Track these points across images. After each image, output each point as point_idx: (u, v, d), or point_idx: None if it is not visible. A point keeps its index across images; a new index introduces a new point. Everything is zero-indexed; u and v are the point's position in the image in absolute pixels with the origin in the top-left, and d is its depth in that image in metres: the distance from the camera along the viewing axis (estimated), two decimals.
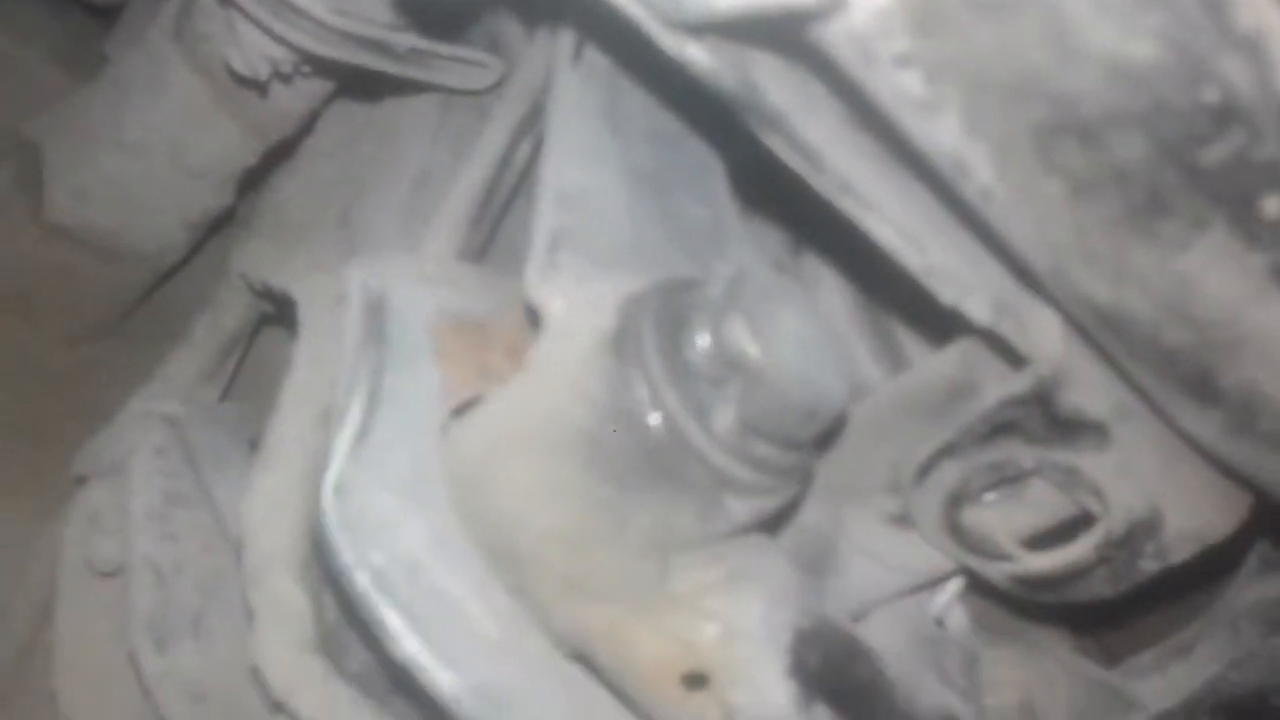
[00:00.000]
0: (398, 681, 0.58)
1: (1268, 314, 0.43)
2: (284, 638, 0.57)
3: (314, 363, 0.66)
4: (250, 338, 0.99)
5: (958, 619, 0.70)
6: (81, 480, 0.83)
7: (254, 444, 0.79)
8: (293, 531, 0.59)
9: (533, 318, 0.57)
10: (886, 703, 0.57)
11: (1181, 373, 0.47)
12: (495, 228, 0.74)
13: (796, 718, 0.55)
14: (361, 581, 0.47)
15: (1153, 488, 0.57)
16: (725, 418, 0.51)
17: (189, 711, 0.68)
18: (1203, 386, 0.47)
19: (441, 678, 0.46)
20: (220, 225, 1.07)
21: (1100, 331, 0.50)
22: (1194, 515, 0.58)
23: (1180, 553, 0.60)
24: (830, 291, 0.75)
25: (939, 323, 0.65)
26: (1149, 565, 0.60)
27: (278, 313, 0.93)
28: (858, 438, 0.62)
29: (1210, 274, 0.43)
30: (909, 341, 0.72)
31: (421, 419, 0.56)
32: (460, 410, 0.58)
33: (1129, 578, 0.61)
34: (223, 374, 0.97)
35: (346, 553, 0.47)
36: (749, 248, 0.65)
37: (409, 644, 0.46)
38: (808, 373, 0.51)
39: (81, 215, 1.04)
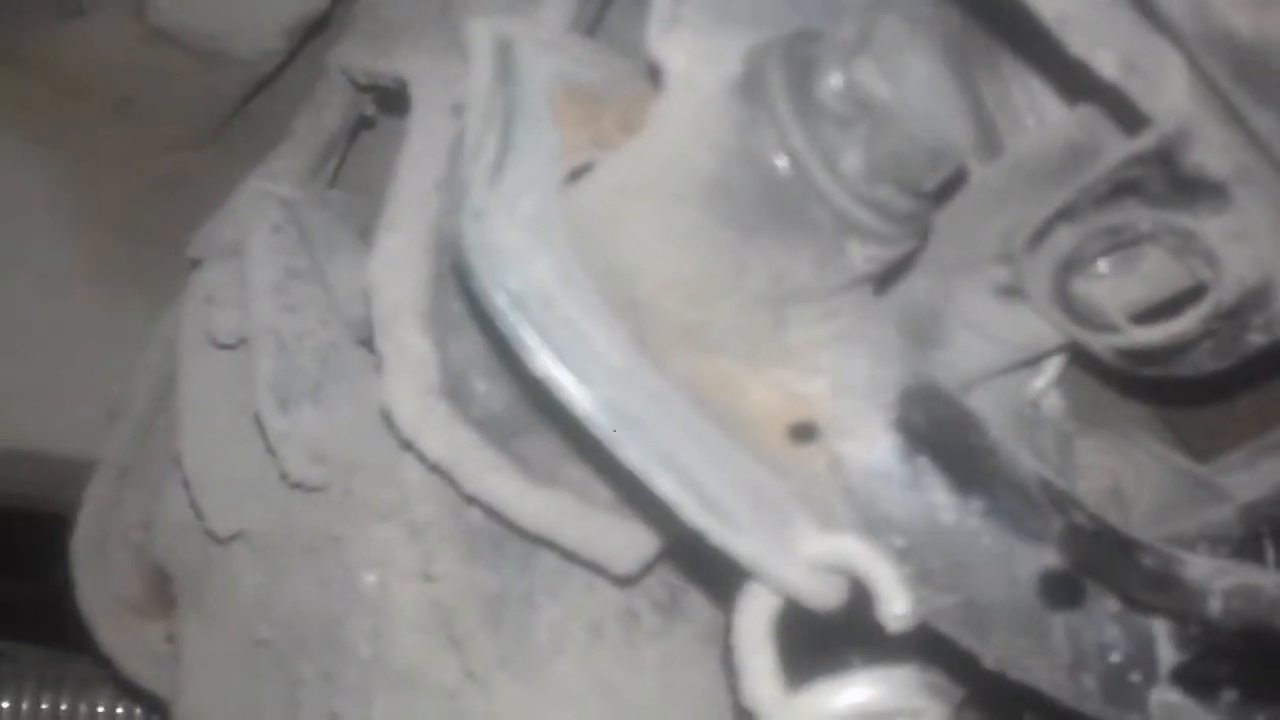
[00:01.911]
0: (516, 420, 0.61)
1: None
2: (411, 383, 0.60)
3: (429, 133, 0.68)
4: (350, 139, 1.01)
5: (1054, 403, 0.71)
6: (197, 263, 0.85)
7: (363, 232, 0.81)
8: (417, 285, 0.62)
9: (655, 75, 0.58)
10: (988, 461, 0.59)
11: None
12: (605, 5, 0.74)
13: (900, 467, 0.57)
14: (500, 301, 0.48)
15: (1267, 255, 0.57)
16: (852, 159, 0.51)
17: (309, 470, 0.71)
18: None
19: (577, 393, 0.48)
20: (317, 31, 1.08)
21: (1232, 77, 0.49)
22: None
23: None
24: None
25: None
26: (1257, 338, 0.61)
27: (380, 107, 0.94)
28: (971, 207, 0.62)
29: None
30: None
31: (544, 172, 0.57)
32: (574, 173, 0.59)
33: (1235, 351, 0.61)
34: (324, 174, 0.99)
35: (485, 275, 0.49)
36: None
37: (546, 360, 0.48)
38: (935, 116, 0.51)
39: (181, 18, 1.05)
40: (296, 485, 0.71)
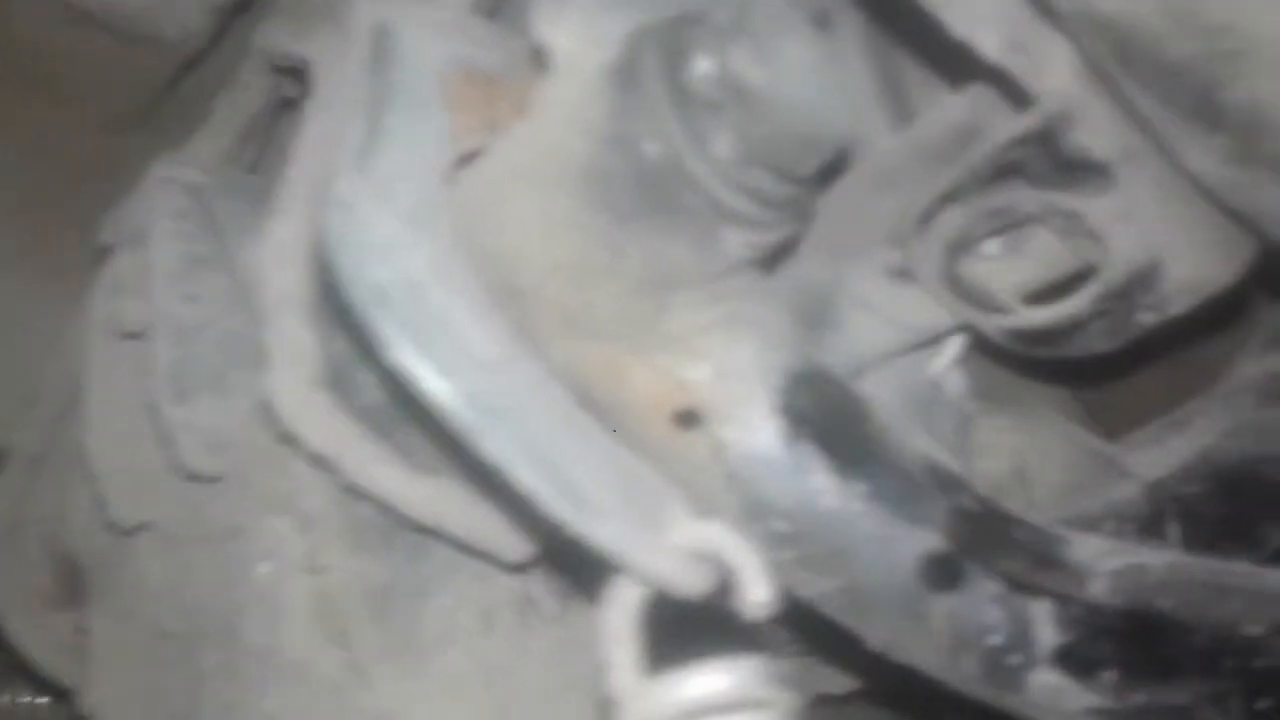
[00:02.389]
0: (400, 411, 0.60)
1: (1275, 18, 0.42)
2: (293, 374, 0.59)
3: (325, 118, 0.67)
4: (273, 120, 0.99)
5: (955, 383, 0.71)
6: (107, 250, 0.84)
7: None
8: (303, 275, 0.61)
9: (540, 59, 0.57)
10: (872, 444, 0.58)
11: (1186, 93, 0.47)
12: None
13: (783, 454, 0.57)
14: (360, 293, 0.48)
15: (1154, 234, 0.57)
16: (724, 144, 0.51)
17: (207, 460, 0.70)
18: (1206, 107, 0.46)
19: (434, 385, 0.48)
20: (243, 11, 1.06)
21: (1108, 55, 0.49)
22: (1193, 265, 0.58)
23: (1179, 304, 0.60)
24: (854, 65, 0.73)
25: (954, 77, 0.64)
26: (1147, 317, 0.61)
27: (299, 88, 0.93)
28: (863, 189, 0.62)
29: None
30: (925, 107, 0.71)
31: (429, 160, 0.56)
32: (466, 158, 0.58)
33: (1127, 331, 0.61)
34: (245, 156, 0.98)
35: (345, 267, 0.48)
36: None
37: (403, 353, 0.48)
38: (810, 101, 0.50)
39: None
40: (194, 476, 0.71)
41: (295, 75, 0.90)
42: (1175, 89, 0.46)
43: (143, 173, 0.92)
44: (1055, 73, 0.53)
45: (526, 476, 0.48)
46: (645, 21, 0.54)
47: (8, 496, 0.89)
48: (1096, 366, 0.67)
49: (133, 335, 0.78)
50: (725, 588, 0.51)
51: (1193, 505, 0.73)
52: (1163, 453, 0.75)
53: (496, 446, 0.48)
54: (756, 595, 0.49)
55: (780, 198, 0.52)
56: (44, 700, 1.06)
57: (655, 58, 0.51)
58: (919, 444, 0.61)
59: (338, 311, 0.53)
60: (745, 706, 0.46)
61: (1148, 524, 0.74)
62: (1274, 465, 0.73)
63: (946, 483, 0.60)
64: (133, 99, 1.11)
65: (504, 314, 0.55)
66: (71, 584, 0.85)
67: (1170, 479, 0.73)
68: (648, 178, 0.51)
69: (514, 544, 0.62)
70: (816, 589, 0.58)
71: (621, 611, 0.50)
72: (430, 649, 0.61)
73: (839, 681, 0.85)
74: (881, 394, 0.68)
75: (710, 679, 0.47)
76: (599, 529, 0.49)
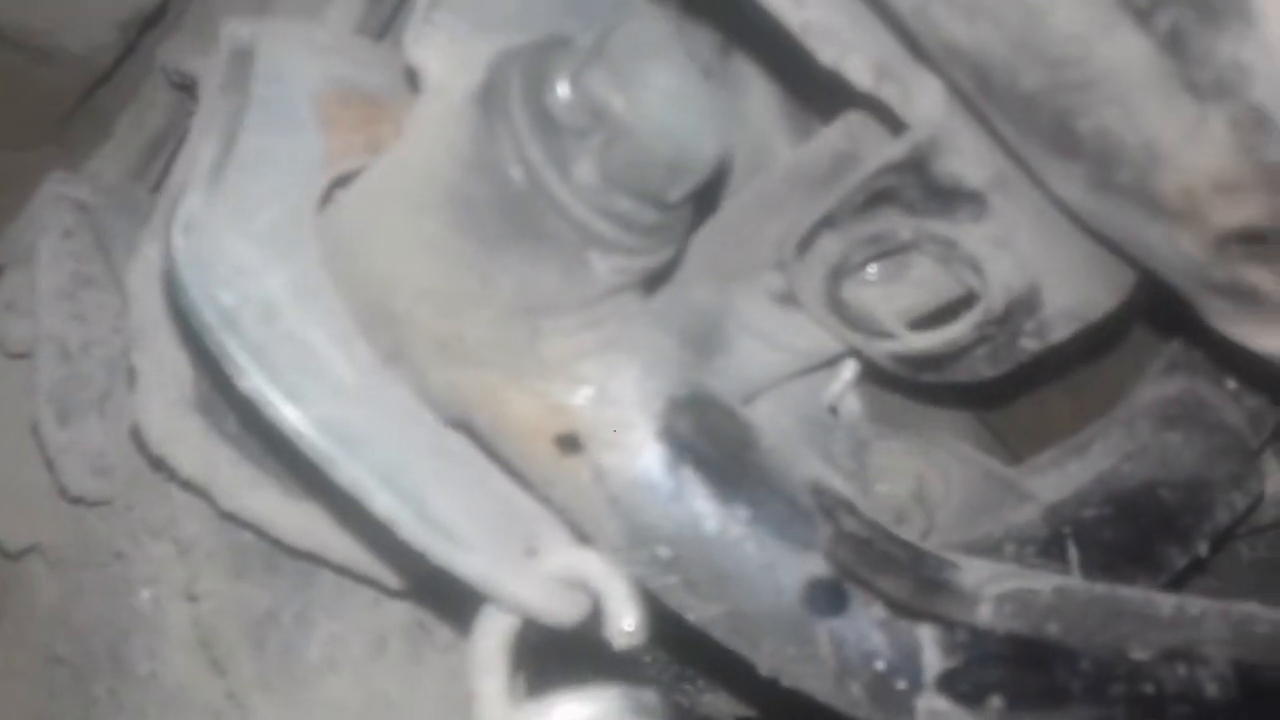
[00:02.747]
0: (268, 437, 0.59)
1: (1115, 49, 0.42)
2: (164, 397, 0.58)
3: (195, 136, 0.66)
4: (181, 137, 0.98)
5: (851, 407, 0.71)
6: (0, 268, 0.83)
7: None
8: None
9: (413, 80, 0.57)
10: (756, 469, 0.58)
11: (1042, 123, 0.47)
12: (399, 6, 0.72)
13: (664, 479, 0.56)
14: (208, 317, 0.47)
15: (1031, 262, 0.57)
16: (586, 170, 0.50)
17: (90, 484, 0.69)
18: (1062, 136, 0.46)
19: (285, 411, 0.47)
20: (152, 26, 1.05)
21: (970, 86, 0.49)
22: (1074, 292, 0.58)
23: (1060, 331, 0.60)
24: (757, 94, 0.73)
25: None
26: (1029, 344, 0.61)
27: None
28: (748, 213, 0.62)
29: (1058, 6, 0.42)
30: None
31: (299, 184, 0.55)
32: (341, 180, 0.57)
33: (1010, 357, 0.61)
34: (150, 174, 0.96)
35: (193, 290, 0.47)
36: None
37: (253, 379, 0.47)
38: (672, 126, 0.50)
39: (10, 13, 1.01)
40: (77, 500, 0.69)
41: (192, 94, 0.89)
42: (1032, 119, 0.46)
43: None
44: (926, 101, 0.52)
45: (384, 504, 0.47)
46: (512, 44, 0.54)
47: None
48: (990, 390, 0.67)
49: (18, 355, 0.76)
50: (595, 616, 0.50)
51: (1092, 528, 0.74)
52: (1062, 476, 0.75)
53: (352, 473, 0.47)
54: (623, 624, 0.48)
55: (647, 223, 0.51)
56: None
57: (518, 81, 0.50)
58: (807, 468, 0.61)
59: (190, 337, 0.51)
60: None
61: (1047, 547, 0.74)
62: (1172, 489, 0.74)
63: (832, 506, 0.59)
64: (40, 115, 1.09)
65: (376, 339, 0.54)
66: None
67: (1069, 502, 0.74)
68: (513, 203, 0.50)
69: (397, 571, 0.61)
70: (702, 614, 0.57)
71: (489, 640, 0.49)
72: (313, 677, 0.60)
73: (738, 709, 0.84)
74: (777, 419, 0.68)
75: (571, 709, 0.46)
76: (462, 557, 0.48)
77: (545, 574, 0.50)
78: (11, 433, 0.76)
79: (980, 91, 0.48)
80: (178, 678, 0.63)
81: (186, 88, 0.88)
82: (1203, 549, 0.75)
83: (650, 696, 0.48)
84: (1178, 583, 0.76)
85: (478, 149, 0.51)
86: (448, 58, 0.55)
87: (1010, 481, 0.74)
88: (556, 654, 0.54)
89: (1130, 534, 0.73)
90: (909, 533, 0.72)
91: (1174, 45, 0.41)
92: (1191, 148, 0.43)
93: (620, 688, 0.47)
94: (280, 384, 0.47)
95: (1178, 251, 0.49)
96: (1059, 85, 0.44)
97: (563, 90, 0.50)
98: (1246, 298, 0.50)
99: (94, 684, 0.72)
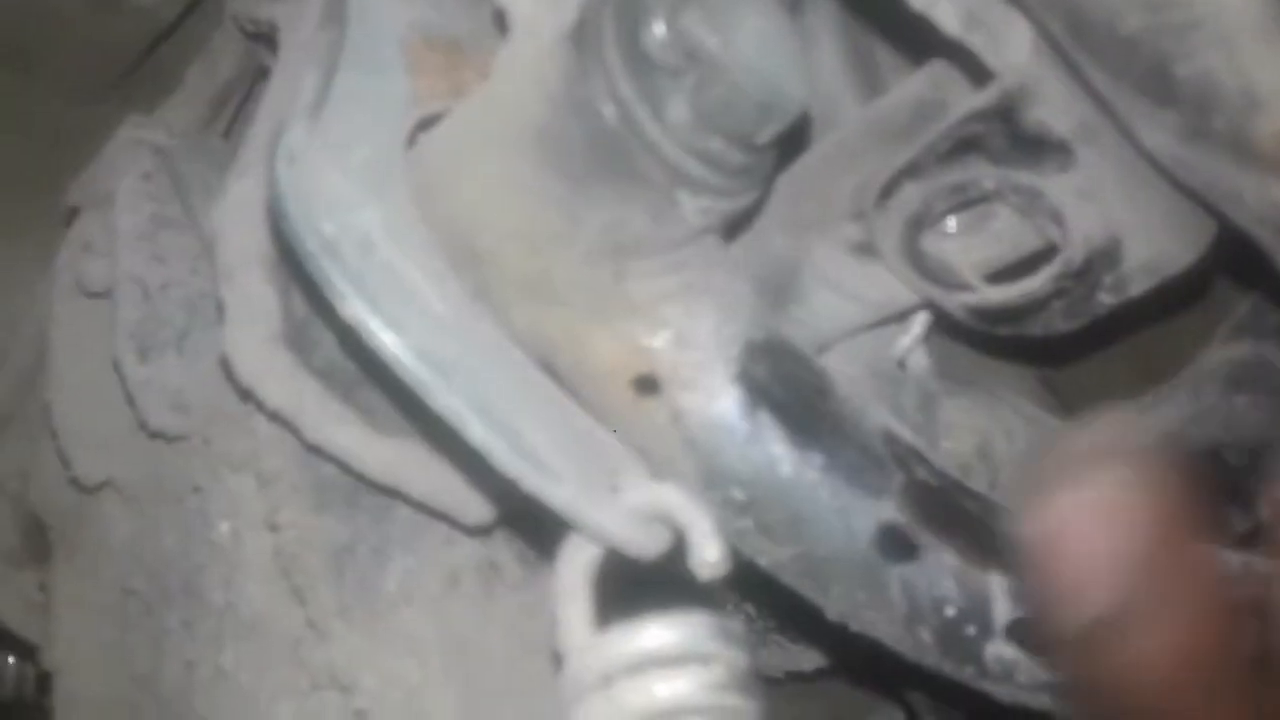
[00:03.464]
0: (359, 370, 0.60)
1: None
2: (253, 331, 0.59)
3: (285, 78, 0.67)
4: (249, 88, 0.99)
5: (919, 362, 0.71)
6: (74, 212, 0.84)
7: None
8: (264, 232, 0.61)
9: (501, 22, 0.57)
10: (830, 415, 0.59)
11: (1138, 68, 0.47)
12: None
13: (741, 422, 0.57)
14: (311, 245, 0.48)
15: (1113, 214, 0.57)
16: (679, 109, 0.51)
17: (169, 419, 0.70)
18: (1158, 82, 0.47)
19: (386, 339, 0.48)
20: None
21: (1063, 31, 0.49)
22: (1153, 245, 0.58)
23: (1138, 285, 0.60)
24: (826, 47, 0.74)
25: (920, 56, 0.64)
26: (1106, 298, 0.61)
27: (271, 54, 0.93)
28: (826, 164, 0.62)
29: None
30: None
31: (389, 124, 0.56)
32: (426, 123, 0.58)
33: (1087, 311, 0.62)
34: (219, 123, 0.97)
35: (296, 219, 0.48)
36: None
37: (354, 305, 0.48)
38: (764, 67, 0.50)
39: None
40: (157, 434, 0.71)
41: (267, 41, 0.90)
42: (1127, 64, 0.46)
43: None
44: (1014, 48, 0.53)
45: (478, 432, 0.48)
46: None
47: None
48: (1060, 346, 0.67)
49: (98, 295, 0.78)
50: (677, 550, 0.51)
51: None
52: None
53: (449, 402, 0.48)
54: (707, 555, 0.49)
55: (736, 164, 0.52)
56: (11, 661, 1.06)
57: (611, 21, 0.51)
58: (879, 417, 0.62)
59: (292, 266, 0.52)
60: (691, 660, 0.46)
61: None
62: (1237, 452, 0.74)
63: (905, 456, 0.60)
64: (106, 68, 1.10)
65: (462, 277, 0.55)
66: (37, 542, 0.85)
67: None
68: (604, 142, 0.51)
69: (475, 506, 0.62)
70: (774, 557, 0.58)
71: (574, 570, 0.50)
72: (390, 608, 0.62)
73: (808, 658, 0.85)
74: (847, 370, 0.68)
75: (658, 632, 0.47)
76: (553, 487, 0.49)
77: (630, 507, 0.51)
78: (89, 371, 0.78)
79: (1074, 36, 0.48)
80: (255, 607, 0.64)
81: (260, 35, 0.89)
82: (1265, 513, 0.75)
83: (736, 625, 0.49)
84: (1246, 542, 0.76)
85: (569, 87, 0.52)
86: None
87: None
88: (635, 593, 0.55)
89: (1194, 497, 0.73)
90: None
91: None
92: None
93: (707, 613, 0.48)
94: (380, 312, 0.48)
95: (1267, 201, 0.49)
96: (1161, 28, 0.44)
97: (658, 29, 0.51)
98: None
99: (167, 615, 0.74)
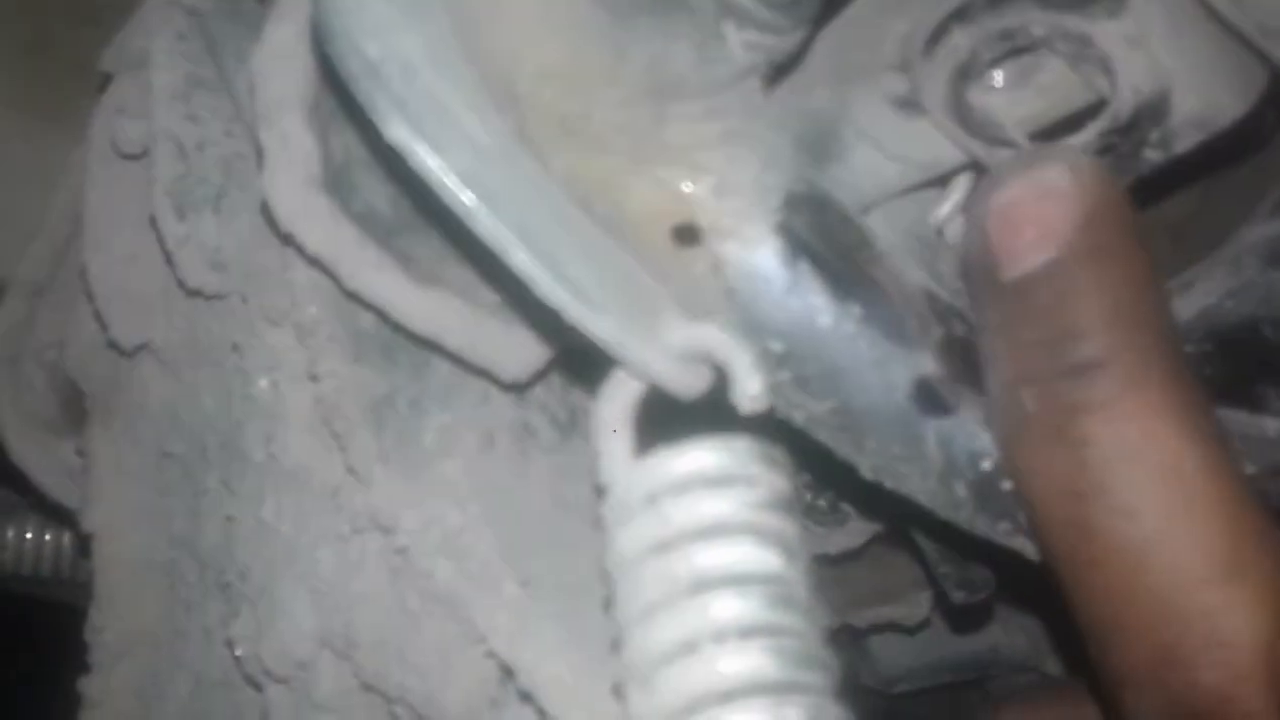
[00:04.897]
0: (404, 217, 0.60)
1: None
2: (292, 175, 0.59)
3: None
4: None
5: (958, 231, 0.71)
6: (108, 78, 0.84)
7: None
8: (303, 77, 0.60)
9: None
10: (870, 268, 0.58)
11: None
12: None
13: (781, 272, 0.57)
14: (355, 66, 0.47)
15: (1162, 63, 0.57)
16: None
17: (207, 277, 0.70)
18: None
19: (430, 161, 0.47)
20: None
21: None
22: (1202, 97, 0.58)
23: (1186, 140, 0.59)
24: None
25: None
26: (1154, 155, 0.60)
27: None
28: (871, 11, 0.61)
29: None
30: None
31: None
32: None
33: (1133, 169, 0.61)
34: None
35: (340, 39, 0.47)
36: None
37: (399, 127, 0.47)
38: None
39: None
40: (195, 293, 0.71)
41: None
42: None
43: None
44: None
45: (523, 260, 0.48)
46: None
47: (9, 325, 0.89)
48: None
49: (134, 156, 0.77)
50: (719, 388, 0.51)
51: (1192, 364, 0.73)
52: None
53: (493, 227, 0.48)
54: (749, 388, 0.49)
55: None
56: (49, 537, 1.07)
57: None
58: (918, 277, 0.61)
59: (336, 93, 0.52)
60: (736, 481, 0.47)
61: None
62: (1274, 327, 0.73)
63: (943, 312, 0.60)
64: None
65: (503, 116, 0.54)
66: (75, 409, 0.86)
67: None
68: None
69: (514, 361, 0.63)
70: (811, 411, 0.58)
71: (617, 404, 0.50)
72: (429, 458, 0.62)
73: (834, 540, 0.86)
74: (887, 234, 0.68)
75: (702, 454, 0.47)
76: (596, 319, 0.49)
77: (672, 344, 0.51)
78: (125, 233, 0.78)
79: None
80: (296, 458, 0.64)
81: None
82: None
83: (779, 452, 0.49)
84: None
85: None
86: None
87: None
88: (673, 435, 0.55)
89: (1230, 370, 0.73)
90: None
91: None
92: None
93: (749, 438, 0.48)
94: (424, 135, 0.47)
95: None
96: None
97: None
98: None
99: (205, 476, 0.74)
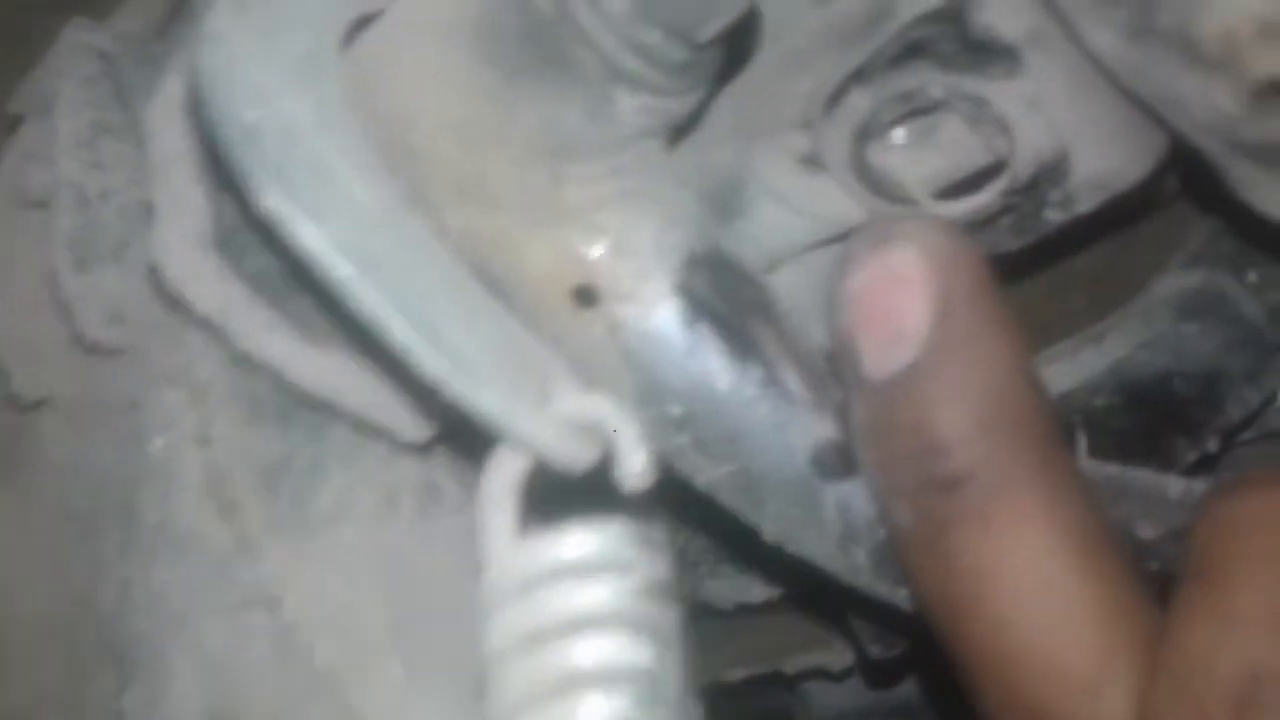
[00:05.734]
0: (290, 276, 0.59)
1: None
2: (182, 234, 0.58)
3: None
4: None
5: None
6: (18, 119, 0.82)
7: None
8: (195, 133, 0.59)
9: None
10: (773, 332, 0.58)
11: None
12: None
13: (680, 335, 0.56)
14: (231, 133, 0.46)
15: (1062, 125, 0.56)
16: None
17: (107, 331, 0.69)
18: None
19: (304, 230, 0.46)
20: None
21: None
22: (1102, 159, 0.58)
23: (1087, 202, 0.59)
24: None
25: None
26: (1055, 215, 0.60)
27: None
28: (774, 69, 0.60)
29: None
30: None
31: (324, 16, 0.54)
32: (363, 22, 0.56)
33: (1035, 228, 0.61)
34: (173, 34, 0.95)
35: (216, 104, 0.46)
36: None
37: (273, 195, 0.46)
38: None
39: None
40: (93, 348, 0.69)
41: None
42: None
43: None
44: None
45: (401, 331, 0.47)
46: None
47: None
48: (1010, 266, 0.66)
49: (37, 204, 0.76)
50: (605, 462, 0.50)
51: (1102, 416, 0.73)
52: (1076, 365, 0.75)
53: (371, 299, 0.46)
54: (633, 465, 0.48)
55: (677, 61, 0.51)
56: None
57: None
58: (822, 336, 0.61)
59: (212, 158, 0.51)
60: (611, 568, 0.46)
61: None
62: (1185, 380, 0.73)
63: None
64: None
65: (396, 176, 0.53)
66: None
67: (1080, 390, 0.73)
68: (539, 32, 0.49)
69: (412, 423, 0.61)
70: (711, 475, 0.57)
71: (500, 477, 0.49)
72: (323, 525, 0.60)
73: (756, 590, 0.85)
74: (796, 288, 0.67)
75: (578, 539, 0.46)
76: (477, 392, 0.48)
77: (559, 416, 0.50)
78: (26, 283, 0.76)
79: None
80: (186, 523, 0.63)
81: None
82: (1213, 445, 0.75)
83: (657, 532, 0.48)
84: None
85: None
86: None
87: None
88: (564, 506, 0.54)
89: (1140, 423, 0.73)
90: None
91: None
92: None
93: (629, 520, 0.47)
94: (300, 203, 0.46)
95: (1212, 106, 0.48)
96: None
97: None
98: (1278, 159, 0.49)
99: (105, 536, 0.72)
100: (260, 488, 0.60)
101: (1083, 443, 0.73)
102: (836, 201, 0.63)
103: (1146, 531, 0.60)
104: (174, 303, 0.58)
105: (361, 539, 0.62)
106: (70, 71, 0.75)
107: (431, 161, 0.53)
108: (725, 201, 0.63)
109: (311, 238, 0.46)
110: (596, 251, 0.56)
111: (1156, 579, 0.60)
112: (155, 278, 0.58)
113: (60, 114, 0.73)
